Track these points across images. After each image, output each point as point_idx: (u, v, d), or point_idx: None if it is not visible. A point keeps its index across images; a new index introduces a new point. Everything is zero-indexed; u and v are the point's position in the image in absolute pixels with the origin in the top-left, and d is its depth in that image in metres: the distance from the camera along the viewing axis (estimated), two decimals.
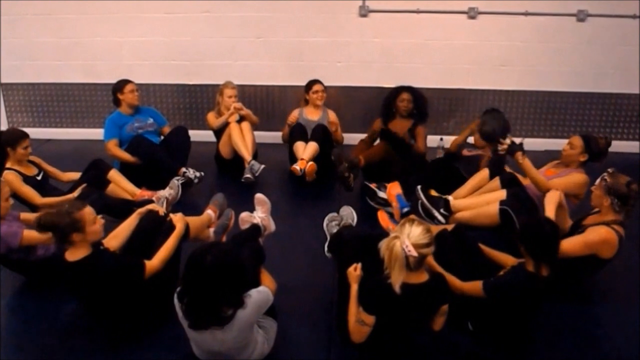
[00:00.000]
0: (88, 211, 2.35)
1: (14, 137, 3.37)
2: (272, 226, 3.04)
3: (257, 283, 2.47)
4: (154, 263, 2.46)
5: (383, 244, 2.14)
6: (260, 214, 2.99)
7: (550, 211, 2.85)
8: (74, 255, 2.32)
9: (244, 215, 3.00)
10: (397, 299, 2.11)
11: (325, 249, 2.90)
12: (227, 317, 2.05)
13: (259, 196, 3.08)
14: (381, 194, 3.69)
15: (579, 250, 2.65)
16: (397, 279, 2.09)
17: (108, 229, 2.67)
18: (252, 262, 2.55)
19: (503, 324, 2.53)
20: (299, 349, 2.51)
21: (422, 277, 2.19)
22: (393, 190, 3.55)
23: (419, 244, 2.09)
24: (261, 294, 2.22)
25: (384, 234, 2.54)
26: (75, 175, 3.68)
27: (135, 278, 2.39)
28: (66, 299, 2.68)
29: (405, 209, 3.45)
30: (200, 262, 2.01)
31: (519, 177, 3.43)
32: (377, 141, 4.37)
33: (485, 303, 2.46)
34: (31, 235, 2.70)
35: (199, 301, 2.06)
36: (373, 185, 3.78)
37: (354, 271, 2.37)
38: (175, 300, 2.15)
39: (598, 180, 2.76)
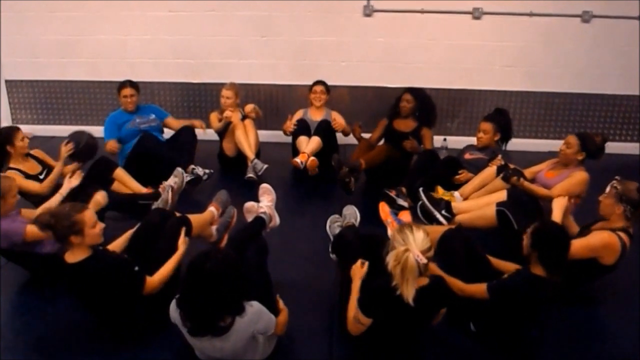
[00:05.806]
0: (89, 214, 2.30)
1: (8, 134, 3.33)
2: (276, 219, 2.97)
3: (265, 279, 2.47)
4: (154, 280, 2.40)
5: (391, 258, 2.06)
6: (266, 203, 2.94)
7: (557, 216, 2.86)
8: (73, 256, 2.29)
9: (248, 205, 2.96)
10: (402, 304, 2.06)
11: (330, 250, 2.90)
12: (224, 327, 2.03)
13: (264, 186, 3.04)
14: (400, 202, 3.61)
15: (580, 252, 2.59)
16: (411, 291, 2.03)
17: (113, 228, 2.66)
18: (257, 259, 2.54)
19: (505, 325, 2.53)
20: (301, 348, 2.51)
21: (424, 280, 2.16)
22: (386, 208, 3.37)
23: (425, 249, 2.06)
24: (266, 314, 2.15)
25: (387, 235, 2.53)
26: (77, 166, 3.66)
27: (134, 284, 2.34)
28: (67, 298, 2.66)
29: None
30: (200, 269, 1.97)
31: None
32: (382, 141, 4.37)
33: (488, 305, 2.45)
34: (35, 230, 2.70)
35: (198, 309, 2.02)
36: (392, 193, 3.67)
37: (360, 267, 2.36)
38: (173, 307, 2.12)
39: (608, 189, 2.72)
